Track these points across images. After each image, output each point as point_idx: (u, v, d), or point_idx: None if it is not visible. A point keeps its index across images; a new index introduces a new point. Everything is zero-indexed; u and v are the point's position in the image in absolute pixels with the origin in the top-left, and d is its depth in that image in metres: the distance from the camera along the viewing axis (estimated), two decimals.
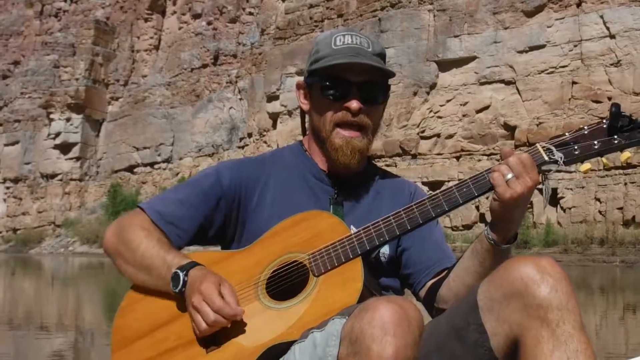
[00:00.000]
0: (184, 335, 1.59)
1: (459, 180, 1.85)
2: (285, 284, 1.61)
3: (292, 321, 1.54)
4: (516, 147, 30.05)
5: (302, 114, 1.88)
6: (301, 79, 1.86)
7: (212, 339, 1.57)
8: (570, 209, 28.58)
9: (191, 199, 1.74)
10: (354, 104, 1.71)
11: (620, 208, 27.48)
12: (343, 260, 1.58)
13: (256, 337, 1.54)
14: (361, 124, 1.74)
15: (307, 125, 1.90)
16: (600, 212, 27.98)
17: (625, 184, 27.47)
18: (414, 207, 1.62)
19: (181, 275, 1.60)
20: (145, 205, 1.77)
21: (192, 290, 1.57)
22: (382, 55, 1.78)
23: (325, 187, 1.79)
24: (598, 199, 28.12)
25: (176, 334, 1.61)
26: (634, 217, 26.97)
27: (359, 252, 1.59)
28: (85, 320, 12.14)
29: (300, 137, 1.95)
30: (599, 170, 26.39)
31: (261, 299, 1.60)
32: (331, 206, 1.76)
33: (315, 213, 1.69)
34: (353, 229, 1.66)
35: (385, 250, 1.75)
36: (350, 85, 1.72)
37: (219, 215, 1.76)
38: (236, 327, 1.56)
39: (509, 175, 1.54)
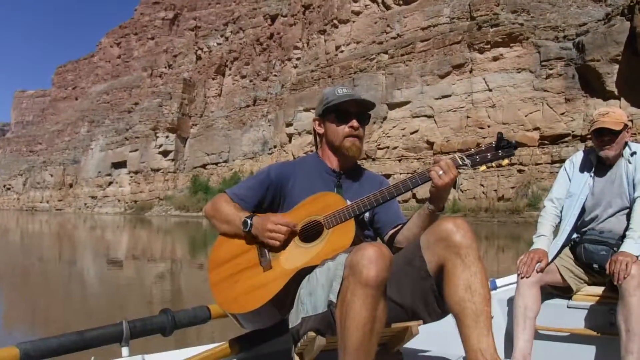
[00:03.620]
0: (251, 260, 1.58)
1: (403, 174, 1.78)
2: (310, 232, 1.59)
3: (314, 254, 1.53)
4: (434, 154, 30.24)
5: (315, 136, 1.81)
6: (313, 115, 1.80)
7: (268, 262, 1.54)
8: (465, 191, 28.53)
9: (253, 185, 1.72)
10: (355, 124, 1.72)
11: (495, 190, 27.42)
12: (343, 219, 1.57)
13: (292, 263, 1.53)
14: (359, 136, 1.74)
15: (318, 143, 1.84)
16: (483, 192, 27.84)
17: (498, 176, 27.40)
18: (384, 190, 1.60)
19: (248, 221, 1.60)
20: (227, 190, 1.75)
21: (264, 225, 1.57)
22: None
23: (332, 178, 1.75)
24: (482, 185, 28.09)
25: (246, 260, 1.59)
26: (503, 196, 26.84)
27: (352, 215, 1.58)
28: (176, 254, 12.27)
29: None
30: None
31: (296, 241, 1.58)
32: (335, 189, 1.72)
33: (326, 193, 1.66)
34: (349, 202, 1.61)
35: (366, 215, 1.72)
36: (351, 113, 1.73)
37: (269, 195, 1.71)
38: (281, 256, 1.55)
39: (440, 172, 1.53)
